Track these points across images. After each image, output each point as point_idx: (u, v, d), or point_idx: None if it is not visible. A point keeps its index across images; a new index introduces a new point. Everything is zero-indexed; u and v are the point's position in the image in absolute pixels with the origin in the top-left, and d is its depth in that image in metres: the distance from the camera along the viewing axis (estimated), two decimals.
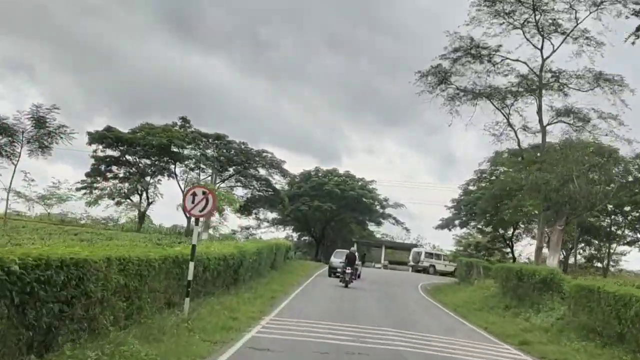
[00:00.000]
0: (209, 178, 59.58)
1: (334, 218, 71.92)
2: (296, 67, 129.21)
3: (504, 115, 38.72)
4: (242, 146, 59.29)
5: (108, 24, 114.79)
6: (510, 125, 38.62)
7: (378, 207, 71.65)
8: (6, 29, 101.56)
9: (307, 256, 74.13)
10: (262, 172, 61.00)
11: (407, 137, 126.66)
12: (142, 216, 57.22)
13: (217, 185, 57.98)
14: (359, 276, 33.79)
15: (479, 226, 66.14)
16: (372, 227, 79.28)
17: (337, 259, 38.33)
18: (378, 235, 75.98)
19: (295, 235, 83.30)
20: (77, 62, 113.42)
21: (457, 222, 65.93)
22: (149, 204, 57.84)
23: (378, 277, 42.85)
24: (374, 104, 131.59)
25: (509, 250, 69.74)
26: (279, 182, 62.30)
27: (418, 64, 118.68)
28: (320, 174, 70.27)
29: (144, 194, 57.50)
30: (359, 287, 31.70)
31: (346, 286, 30.45)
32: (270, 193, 62.47)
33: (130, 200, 58.71)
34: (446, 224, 66.84)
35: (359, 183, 69.85)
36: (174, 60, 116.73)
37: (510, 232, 65.84)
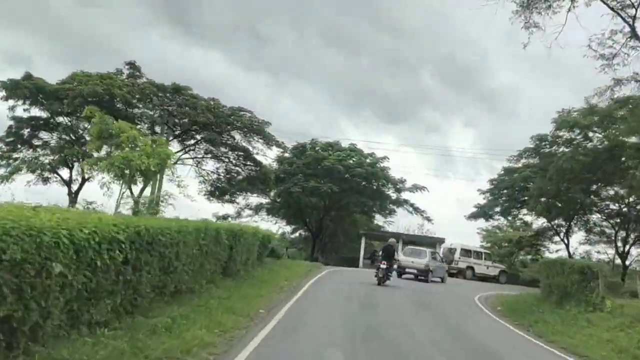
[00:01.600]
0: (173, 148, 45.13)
1: (335, 205, 57.43)
2: (296, 62, 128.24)
3: (626, 22, 23.93)
4: (212, 102, 44.51)
5: (108, 16, 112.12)
6: (637, 36, 23.86)
7: (392, 191, 56.99)
8: (5, 21, 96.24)
9: (303, 253, 59.94)
10: (239, 138, 46.17)
11: (407, 135, 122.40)
12: (73, 195, 42.42)
13: (178, 154, 43.33)
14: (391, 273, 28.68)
15: (528, 214, 51.60)
16: (380, 218, 65.01)
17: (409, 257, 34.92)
18: (390, 228, 61.61)
19: (289, 228, 68.90)
20: (75, 54, 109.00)
21: (497, 208, 51.40)
22: (83, 180, 43.09)
23: (407, 285, 28.66)
24: (374, 101, 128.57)
25: (555, 246, 55.92)
26: (262, 153, 47.38)
27: (418, 61, 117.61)
28: (317, 147, 55.51)
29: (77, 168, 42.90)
30: (392, 307, 18.61)
31: (379, 283, 27.34)
32: (250, 168, 47.78)
33: (58, 175, 44.19)
34: (483, 213, 52.35)
35: (368, 160, 55.11)
36: (173, 53, 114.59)
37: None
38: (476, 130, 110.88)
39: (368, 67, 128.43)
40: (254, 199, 59.17)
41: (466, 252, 44.46)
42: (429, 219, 56.89)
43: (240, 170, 48.60)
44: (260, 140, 45.87)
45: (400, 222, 62.36)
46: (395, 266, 30.12)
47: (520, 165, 49.85)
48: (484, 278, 43.95)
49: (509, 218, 54.54)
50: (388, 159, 56.12)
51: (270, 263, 31.08)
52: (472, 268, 43.84)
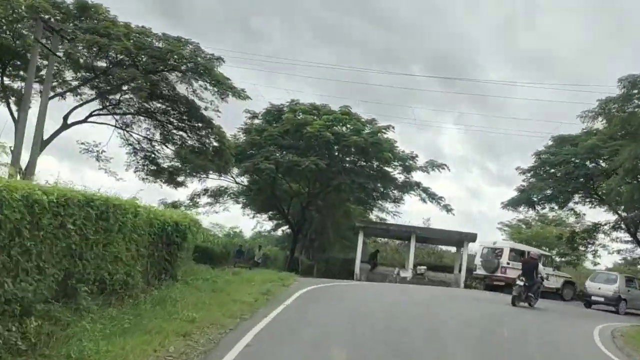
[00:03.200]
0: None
1: (322, 188, 43.41)
2: (287, 57, 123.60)
3: None
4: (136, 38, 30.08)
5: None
6: None
7: (398, 171, 42.90)
8: None
9: (289, 253, 46.10)
10: (181, 85, 31.79)
11: (398, 132, 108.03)
12: None
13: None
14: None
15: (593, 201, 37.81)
16: (380, 208, 50.93)
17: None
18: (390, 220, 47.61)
19: (269, 224, 55.15)
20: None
21: (548, 191, 37.37)
22: None
23: (449, 313, 15.13)
24: (365, 97, 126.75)
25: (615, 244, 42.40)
26: (214, 108, 32.83)
27: (410, 56, 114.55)
28: (298, 110, 41.21)
29: None
30: None
31: (513, 303, 22.71)
32: (199, 133, 33.49)
33: None
34: (526, 199, 38.34)
35: (367, 129, 40.88)
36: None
37: None
38: (466, 127, 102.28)
39: (359, 62, 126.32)
40: (215, 182, 45.21)
41: (518, 255, 30.50)
42: (448, 209, 42.75)
43: (186, 136, 34.24)
44: (210, 88, 31.44)
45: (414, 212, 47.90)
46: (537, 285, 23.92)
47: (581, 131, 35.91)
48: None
49: (563, 206, 40.40)
50: (393, 127, 41.75)
51: (198, 274, 17.06)
52: None
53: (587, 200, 39.54)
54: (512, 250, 30.17)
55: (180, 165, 37.17)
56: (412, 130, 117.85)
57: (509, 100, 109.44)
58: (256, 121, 43.12)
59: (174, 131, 34.39)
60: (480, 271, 30.66)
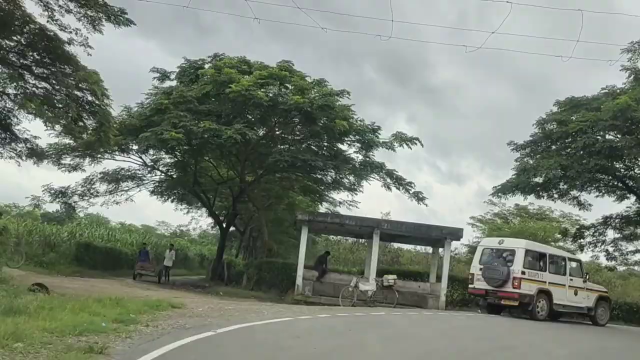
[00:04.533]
0: None
1: (257, 174, 33.13)
2: (238, 53, 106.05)
3: None
4: None
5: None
6: None
7: (356, 150, 32.89)
8: None
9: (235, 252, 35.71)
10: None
11: None
12: None
13: None
14: None
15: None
16: (331, 202, 41.03)
17: None
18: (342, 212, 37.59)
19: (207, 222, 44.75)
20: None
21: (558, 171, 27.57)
22: None
23: None
24: None
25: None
26: (82, 42, 21.84)
27: (363, 53, 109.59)
28: (222, 65, 30.48)
29: None
30: None
31: None
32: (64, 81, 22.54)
33: None
34: (525, 183, 28.65)
35: (315, 91, 30.44)
36: (111, 42, 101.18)
37: None
38: (419, 126, 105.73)
39: (311, 60, 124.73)
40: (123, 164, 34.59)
41: (537, 259, 20.57)
42: (420, 197, 32.82)
43: (52, 88, 23.27)
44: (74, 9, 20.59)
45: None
46: None
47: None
48: (566, 312, 20.91)
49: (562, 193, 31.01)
50: (348, 93, 31.62)
51: None
52: (548, 294, 20.06)
53: (610, 185, 30.28)
54: (528, 252, 20.28)
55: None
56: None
57: (460, 99, 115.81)
58: (168, 83, 32.55)
59: (34, 81, 23.43)
60: (479, 284, 20.72)
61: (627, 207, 32.88)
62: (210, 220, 49.53)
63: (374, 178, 33.73)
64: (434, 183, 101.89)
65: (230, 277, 33.75)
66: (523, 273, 19.92)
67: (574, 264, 21.84)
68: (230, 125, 27.99)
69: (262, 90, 28.61)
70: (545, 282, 20.42)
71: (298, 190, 40.06)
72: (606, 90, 28.21)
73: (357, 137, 31.94)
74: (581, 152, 27.23)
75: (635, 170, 30.31)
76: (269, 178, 36.61)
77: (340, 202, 40.90)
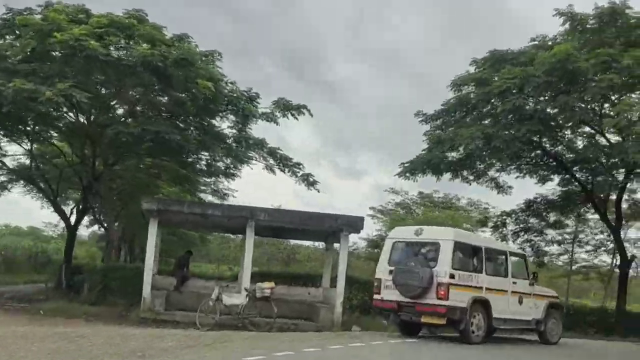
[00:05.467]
0: None
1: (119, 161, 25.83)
2: None
3: None
4: None
5: None
6: None
7: (230, 126, 26.10)
8: None
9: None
10: None
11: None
12: None
13: None
14: None
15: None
16: (212, 190, 34.44)
17: None
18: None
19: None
20: None
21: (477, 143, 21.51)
22: None
23: None
24: None
25: None
26: None
27: (262, 47, 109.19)
28: (51, 11, 22.52)
29: None
30: None
31: None
32: None
33: None
34: (437, 160, 22.59)
35: (174, 49, 22.99)
36: None
37: None
38: (317, 121, 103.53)
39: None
40: None
41: (471, 256, 14.28)
42: (311, 182, 26.37)
43: None
44: None
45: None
46: None
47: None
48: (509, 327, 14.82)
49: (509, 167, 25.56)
50: (220, 55, 24.66)
51: None
52: (485, 305, 13.85)
53: (534, 163, 24.96)
54: (458, 246, 13.82)
55: None
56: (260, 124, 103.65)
57: (357, 95, 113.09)
58: None
59: None
60: (389, 293, 14.23)
61: (546, 190, 27.92)
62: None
63: (254, 159, 27.06)
64: (333, 178, 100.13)
65: (74, 286, 25.99)
66: (452, 276, 13.64)
67: (516, 261, 15.77)
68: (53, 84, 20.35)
69: (101, 43, 21.10)
70: (481, 287, 14.22)
71: (168, 180, 32.79)
72: (536, 42, 22.69)
73: (229, 107, 24.93)
74: (509, 117, 21.52)
75: (569, 143, 25.22)
76: (132, 164, 29.23)
77: (222, 193, 34.10)
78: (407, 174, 24.07)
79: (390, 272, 14.33)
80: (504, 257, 15.29)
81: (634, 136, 16.74)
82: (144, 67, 21.41)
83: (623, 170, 23.63)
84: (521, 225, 28.04)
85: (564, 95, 20.18)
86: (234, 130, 26.00)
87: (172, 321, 18.41)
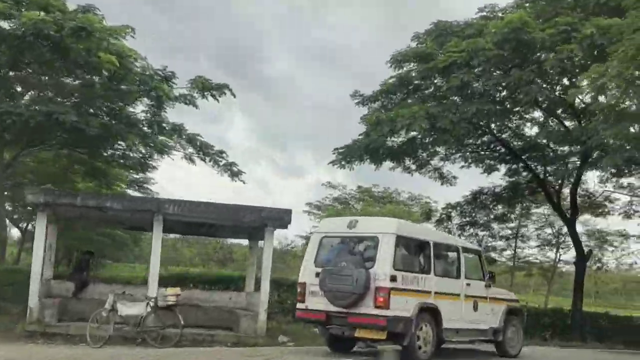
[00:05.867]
0: None
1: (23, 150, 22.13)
2: None
3: None
4: None
5: None
6: None
7: (145, 110, 22.85)
8: None
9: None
10: None
11: (183, 120, 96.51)
12: None
13: None
14: None
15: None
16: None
17: None
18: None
19: None
20: None
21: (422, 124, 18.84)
22: None
23: None
24: None
25: None
26: None
27: (198, 43, 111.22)
28: None
29: None
30: None
31: None
32: None
33: None
34: (377, 144, 19.78)
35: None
36: None
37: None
38: (255, 118, 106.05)
39: (146, 51, 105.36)
40: None
41: (417, 253, 11.48)
42: (235, 173, 23.39)
43: None
44: None
45: None
46: None
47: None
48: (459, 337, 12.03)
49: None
50: (133, 31, 21.15)
51: None
52: (434, 314, 11.09)
53: (481, 150, 22.64)
54: (402, 241, 10.90)
55: None
56: (199, 120, 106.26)
57: (296, 92, 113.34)
58: None
59: None
60: (315, 301, 11.28)
61: (489, 183, 25.66)
62: None
63: (172, 148, 23.88)
64: (273, 177, 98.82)
65: None
66: (394, 279, 10.79)
67: (470, 258, 13.07)
68: None
69: None
70: (430, 292, 11.42)
71: (81, 173, 29.08)
72: (485, 13, 20.21)
73: (141, 87, 21.57)
74: (456, 97, 18.99)
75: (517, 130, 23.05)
76: (44, 156, 25.71)
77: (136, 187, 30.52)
78: (343, 162, 21.27)
79: (317, 274, 11.39)
80: (456, 253, 12.52)
81: (605, 110, 14.37)
82: (36, 38, 17.90)
83: (577, 158, 21.54)
84: (467, 219, 25.65)
85: (517, 69, 17.69)
86: (147, 114, 22.76)
87: (65, 334, 15.17)
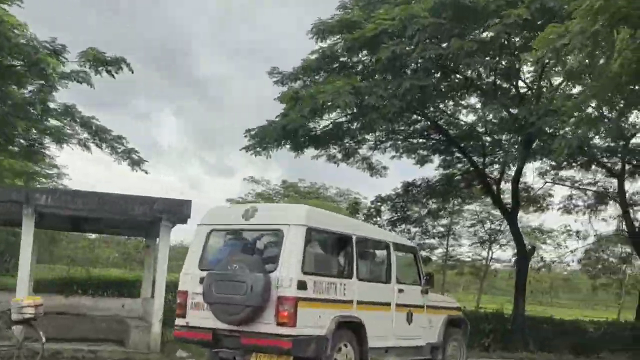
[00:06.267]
0: None
1: None
2: None
3: None
4: None
5: None
6: None
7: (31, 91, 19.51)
8: None
9: None
10: None
11: (115, 124, 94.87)
12: None
13: None
14: None
15: None
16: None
17: None
18: None
19: None
20: None
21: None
22: None
23: None
24: (76, 86, 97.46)
25: None
26: None
27: (128, 43, 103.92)
28: None
29: None
30: None
31: None
32: None
33: None
34: (295, 125, 16.92)
35: None
36: None
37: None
38: (186, 119, 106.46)
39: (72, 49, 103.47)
40: None
41: (333, 250, 8.70)
42: (136, 162, 20.41)
43: None
44: None
45: None
46: None
47: None
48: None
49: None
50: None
51: None
52: (357, 330, 8.36)
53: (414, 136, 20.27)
54: (313, 234, 8.08)
55: None
56: (130, 122, 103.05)
57: (226, 93, 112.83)
58: None
59: None
60: (200, 318, 8.40)
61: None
62: None
63: (68, 134, 20.63)
64: (204, 177, 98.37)
65: None
66: (302, 286, 7.95)
67: (403, 258, 10.43)
68: None
69: None
70: (351, 302, 8.68)
71: None
72: None
73: (25, 61, 18.12)
74: (386, 73, 16.41)
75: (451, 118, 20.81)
76: None
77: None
78: (258, 148, 18.37)
79: (201, 281, 8.49)
80: (385, 252, 9.85)
81: (564, 68, 12.03)
82: None
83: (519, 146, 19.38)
84: (399, 214, 23.16)
85: (457, 39, 15.23)
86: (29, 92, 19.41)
87: None
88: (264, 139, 17.87)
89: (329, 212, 10.33)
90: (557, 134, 16.05)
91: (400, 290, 9.80)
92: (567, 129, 15.13)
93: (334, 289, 8.47)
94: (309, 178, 41.07)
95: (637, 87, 12.43)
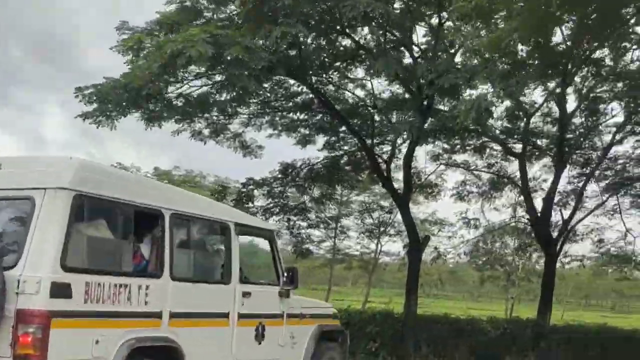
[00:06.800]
0: None
1: None
2: None
3: None
4: None
5: None
6: None
7: None
8: None
9: None
10: None
11: None
12: None
13: None
14: None
15: None
16: None
17: None
18: None
19: None
20: None
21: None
22: None
23: None
24: None
25: None
26: None
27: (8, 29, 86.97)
28: None
29: None
30: None
31: None
32: None
33: None
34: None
35: None
36: None
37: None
38: (72, 112, 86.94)
39: None
40: None
41: (126, 230, 5.47)
42: None
43: None
44: None
45: None
46: None
47: None
48: None
49: None
50: None
51: None
52: (167, 354, 5.19)
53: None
54: (87, 203, 4.98)
55: None
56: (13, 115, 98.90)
57: None
58: None
59: None
60: None
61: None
62: None
63: None
64: None
65: None
66: (61, 291, 4.68)
67: (251, 245, 7.27)
68: None
69: None
70: (159, 314, 5.48)
71: None
72: None
73: None
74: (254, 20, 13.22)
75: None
76: None
77: None
78: (99, 117, 14.59)
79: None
80: (222, 236, 6.65)
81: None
82: None
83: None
84: (276, 200, 19.97)
85: None
86: None
87: None
88: (103, 103, 14.16)
89: (120, 171, 6.99)
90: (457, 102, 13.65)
91: (246, 294, 6.61)
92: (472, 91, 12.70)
93: (125, 295, 5.18)
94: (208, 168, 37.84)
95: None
